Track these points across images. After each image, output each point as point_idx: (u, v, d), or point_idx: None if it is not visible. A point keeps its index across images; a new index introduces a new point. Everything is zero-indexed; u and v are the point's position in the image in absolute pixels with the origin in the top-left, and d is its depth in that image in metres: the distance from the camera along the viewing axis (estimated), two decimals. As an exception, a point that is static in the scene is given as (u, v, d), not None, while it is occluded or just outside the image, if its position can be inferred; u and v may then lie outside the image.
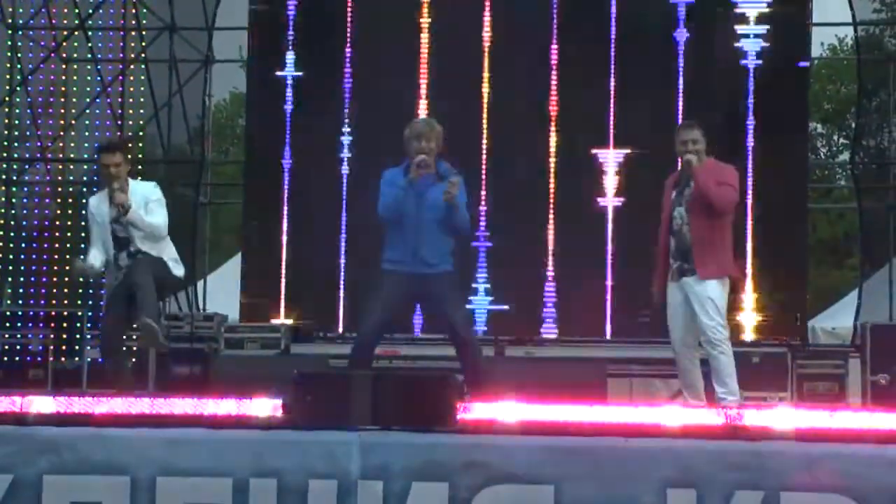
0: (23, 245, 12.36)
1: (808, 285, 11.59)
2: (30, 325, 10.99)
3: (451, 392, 5.27)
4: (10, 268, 12.29)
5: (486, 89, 11.43)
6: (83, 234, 10.59)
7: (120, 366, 7.74)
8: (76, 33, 12.68)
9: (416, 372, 8.63)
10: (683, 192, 7.42)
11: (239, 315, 11.64)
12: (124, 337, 7.98)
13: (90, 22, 12.63)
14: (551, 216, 11.27)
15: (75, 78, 13.00)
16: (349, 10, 11.68)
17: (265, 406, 5.37)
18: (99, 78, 12.71)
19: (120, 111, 12.56)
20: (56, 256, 12.08)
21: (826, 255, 23.60)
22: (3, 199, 12.77)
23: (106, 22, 12.82)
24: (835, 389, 10.15)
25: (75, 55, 12.95)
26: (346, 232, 11.43)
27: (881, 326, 10.52)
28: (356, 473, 4.94)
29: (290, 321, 11.36)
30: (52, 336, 10.90)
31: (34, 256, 12.16)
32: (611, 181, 11.25)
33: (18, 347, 10.86)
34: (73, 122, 12.82)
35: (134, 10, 12.65)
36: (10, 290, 12.31)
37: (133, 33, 12.72)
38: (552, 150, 11.33)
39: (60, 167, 13.21)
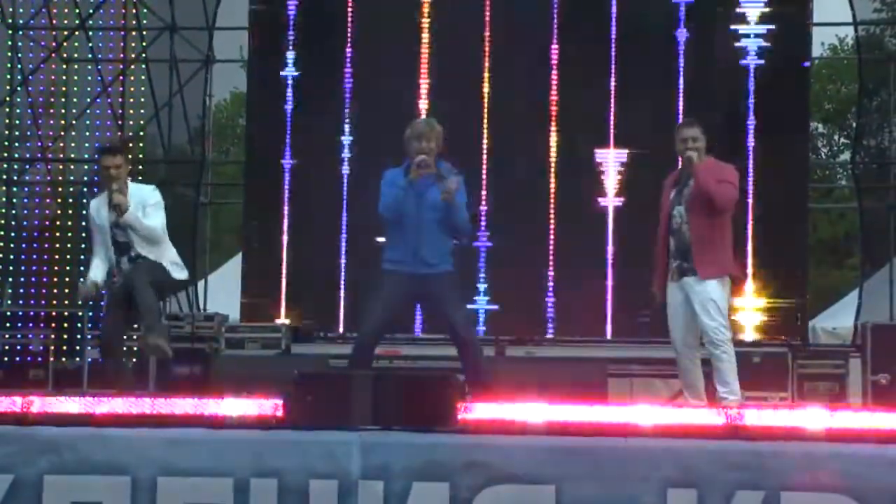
0: (23, 245, 12.37)
1: (809, 285, 11.57)
2: (30, 325, 10.98)
3: (451, 392, 5.28)
4: (10, 268, 12.29)
5: (486, 89, 11.42)
6: (83, 234, 10.64)
7: (120, 366, 7.77)
8: (76, 33, 12.69)
9: (417, 372, 8.62)
10: (683, 191, 7.38)
11: (239, 315, 11.64)
12: (124, 337, 7.98)
13: (90, 22, 12.64)
14: (552, 216, 11.26)
15: (76, 78, 13.01)
16: (349, 10, 11.68)
17: (265, 406, 5.37)
18: (99, 78, 12.72)
19: (120, 111, 12.56)
20: (56, 256, 12.10)
21: (826, 255, 23.56)
22: (4, 199, 12.77)
23: (106, 22, 12.84)
24: (835, 389, 10.15)
25: (76, 55, 12.96)
26: (346, 232, 11.44)
27: (882, 326, 10.50)
28: (357, 473, 4.94)
29: (290, 321, 11.36)
30: (52, 336, 10.88)
31: (34, 256, 12.17)
32: (611, 181, 11.25)
33: (19, 347, 10.84)
34: (74, 122, 12.83)
35: (134, 10, 12.66)
36: (10, 290, 12.30)
37: (133, 33, 12.73)
38: (552, 150, 11.32)
39: (61, 167, 13.22)
